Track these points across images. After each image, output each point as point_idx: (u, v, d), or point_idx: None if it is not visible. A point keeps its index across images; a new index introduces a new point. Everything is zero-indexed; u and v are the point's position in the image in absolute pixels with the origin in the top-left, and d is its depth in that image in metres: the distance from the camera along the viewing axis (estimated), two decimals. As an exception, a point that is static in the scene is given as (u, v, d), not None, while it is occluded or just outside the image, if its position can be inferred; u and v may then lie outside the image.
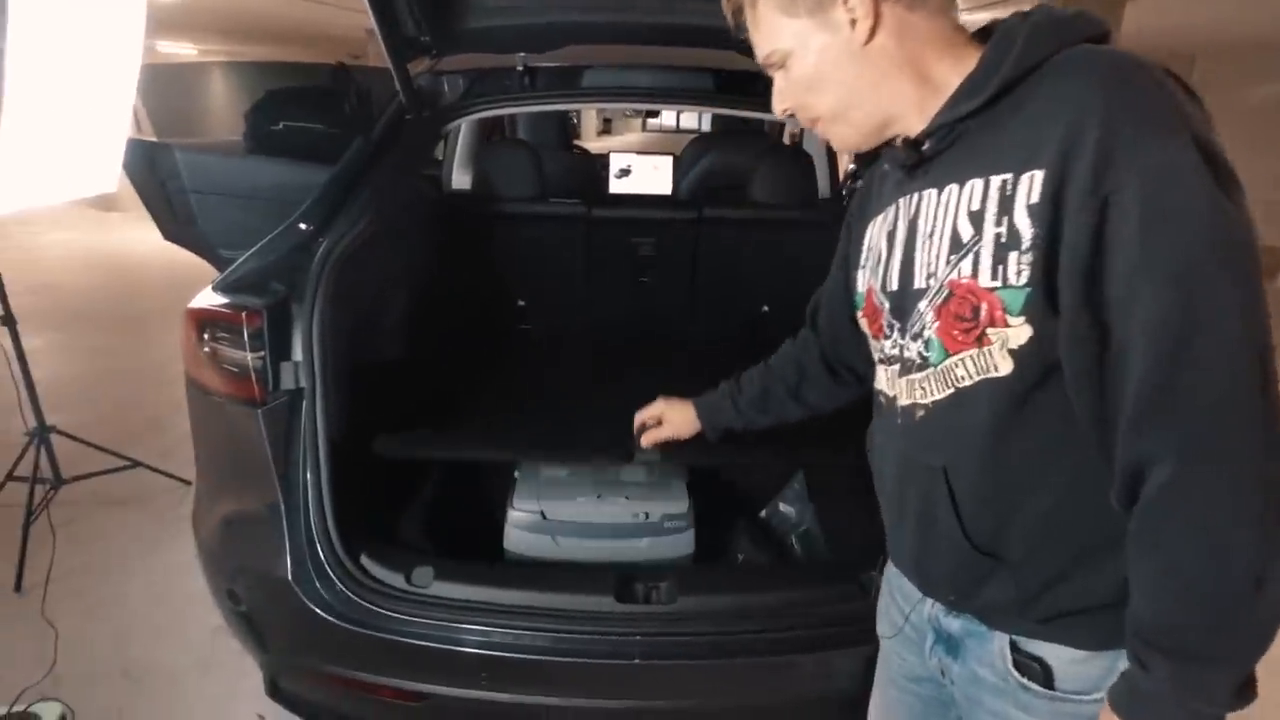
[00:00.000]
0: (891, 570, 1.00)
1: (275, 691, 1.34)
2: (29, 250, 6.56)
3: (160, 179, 2.39)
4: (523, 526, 1.47)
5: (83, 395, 3.52)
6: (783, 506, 1.78)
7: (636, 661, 1.12)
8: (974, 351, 0.72)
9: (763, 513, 1.81)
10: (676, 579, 1.22)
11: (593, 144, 8.91)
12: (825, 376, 1.10)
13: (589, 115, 17.76)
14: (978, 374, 0.73)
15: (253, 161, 2.12)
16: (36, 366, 2.47)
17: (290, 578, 1.19)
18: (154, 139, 3.00)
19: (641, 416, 1.25)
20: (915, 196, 0.78)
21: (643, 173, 2.23)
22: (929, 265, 0.75)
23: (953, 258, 0.72)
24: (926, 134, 0.74)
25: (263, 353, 1.18)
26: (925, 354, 0.77)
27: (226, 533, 1.29)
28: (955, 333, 0.73)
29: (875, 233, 0.86)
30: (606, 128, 21.02)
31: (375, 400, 1.49)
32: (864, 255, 0.89)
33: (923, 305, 0.76)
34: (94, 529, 2.47)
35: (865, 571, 1.26)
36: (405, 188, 1.61)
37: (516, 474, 1.61)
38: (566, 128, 2.84)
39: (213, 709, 1.79)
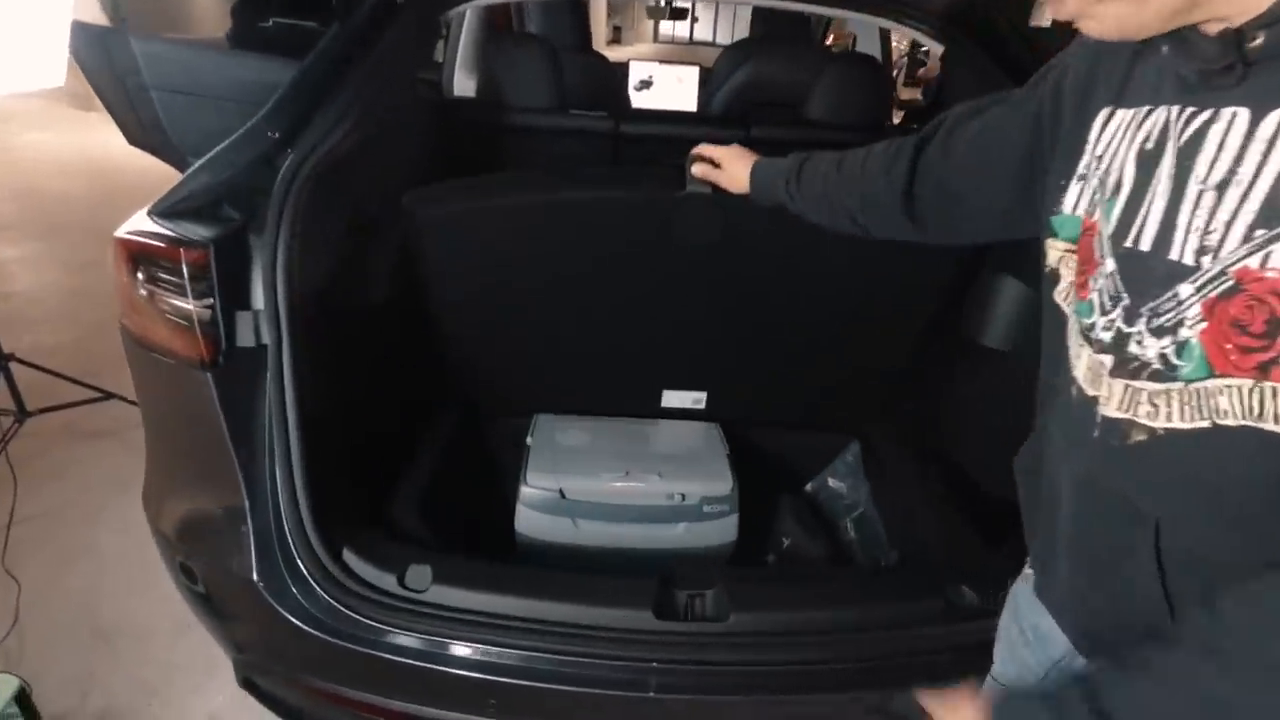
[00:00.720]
0: (1025, 598, 0.78)
1: (248, 685, 1.15)
2: (5, 151, 6.15)
3: (118, 74, 2.07)
4: (537, 506, 1.25)
5: (60, 314, 3.26)
6: (832, 481, 1.55)
7: (681, 697, 0.92)
8: (1249, 383, 0.47)
9: (809, 486, 1.59)
10: (726, 588, 1.00)
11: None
12: (903, 223, 0.87)
13: (598, 23, 16.63)
14: (1244, 415, 0.48)
15: (230, 56, 1.79)
16: (12, 280, 2.20)
17: (256, 578, 0.97)
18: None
19: (700, 150, 1.14)
20: (1202, 116, 0.50)
21: (665, 85, 1.97)
22: (1206, 234, 0.48)
23: (1259, 234, 0.45)
24: (1258, 24, 0.46)
25: (210, 300, 0.92)
26: (1175, 360, 0.51)
27: (180, 522, 1.06)
28: (1229, 346, 0.48)
29: (1115, 139, 0.58)
30: (616, 36, 19.83)
31: (361, 356, 1.24)
32: (1086, 163, 0.61)
33: (1185, 290, 0.50)
34: (61, 467, 2.25)
35: (952, 584, 1.04)
36: (397, 88, 1.30)
37: (530, 441, 1.38)
38: (585, 23, 2.43)
39: (192, 675, 1.63)
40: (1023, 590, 0.81)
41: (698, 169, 1.13)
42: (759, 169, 1.06)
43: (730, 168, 1.10)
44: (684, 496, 1.27)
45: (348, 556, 1.02)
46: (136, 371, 1.05)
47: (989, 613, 1.00)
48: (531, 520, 1.26)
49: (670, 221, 1.19)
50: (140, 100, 2.12)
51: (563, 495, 1.25)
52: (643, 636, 0.95)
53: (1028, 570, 0.81)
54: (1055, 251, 0.65)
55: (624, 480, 1.27)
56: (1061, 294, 0.66)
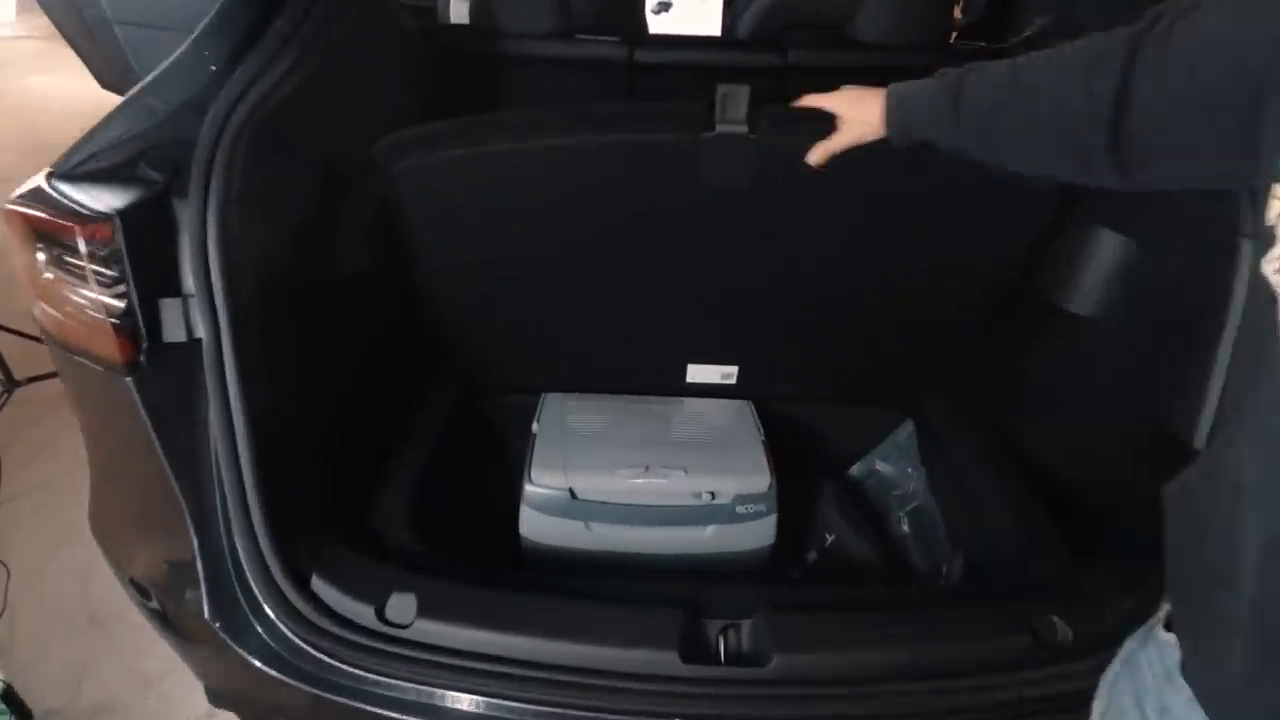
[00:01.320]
0: (1156, 671, 0.61)
1: (219, 701, 1.03)
2: (5, 98, 5.94)
3: (76, 4, 1.85)
4: (543, 508, 1.09)
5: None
6: (880, 466, 1.37)
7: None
8: None
9: (853, 470, 1.40)
10: (767, 621, 0.83)
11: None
12: (1101, 158, 0.65)
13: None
14: None
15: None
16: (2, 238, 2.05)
17: (208, 616, 0.83)
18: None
19: (810, 102, 0.92)
20: None
21: (686, 6, 1.75)
22: None
23: None
24: None
25: (123, 287, 0.74)
26: None
27: (125, 546, 0.92)
28: None
29: None
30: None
31: (337, 339, 1.06)
32: None
33: None
34: (52, 439, 2.13)
35: (1039, 612, 0.86)
36: (369, 6, 1.08)
37: (536, 428, 1.21)
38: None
39: (192, 666, 1.54)
40: (1152, 659, 0.62)
41: (817, 152, 0.91)
42: (899, 96, 0.84)
43: (855, 117, 0.88)
44: (714, 495, 1.09)
45: (317, 585, 0.86)
46: (60, 372, 0.88)
47: (1085, 653, 0.83)
48: (537, 523, 1.09)
49: (696, 167, 0.98)
50: (103, 34, 1.90)
51: (573, 495, 1.08)
52: (664, 686, 0.79)
53: (1163, 634, 0.62)
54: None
55: (644, 477, 1.09)
56: (1276, 263, 0.46)
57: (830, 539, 1.25)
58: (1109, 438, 1.06)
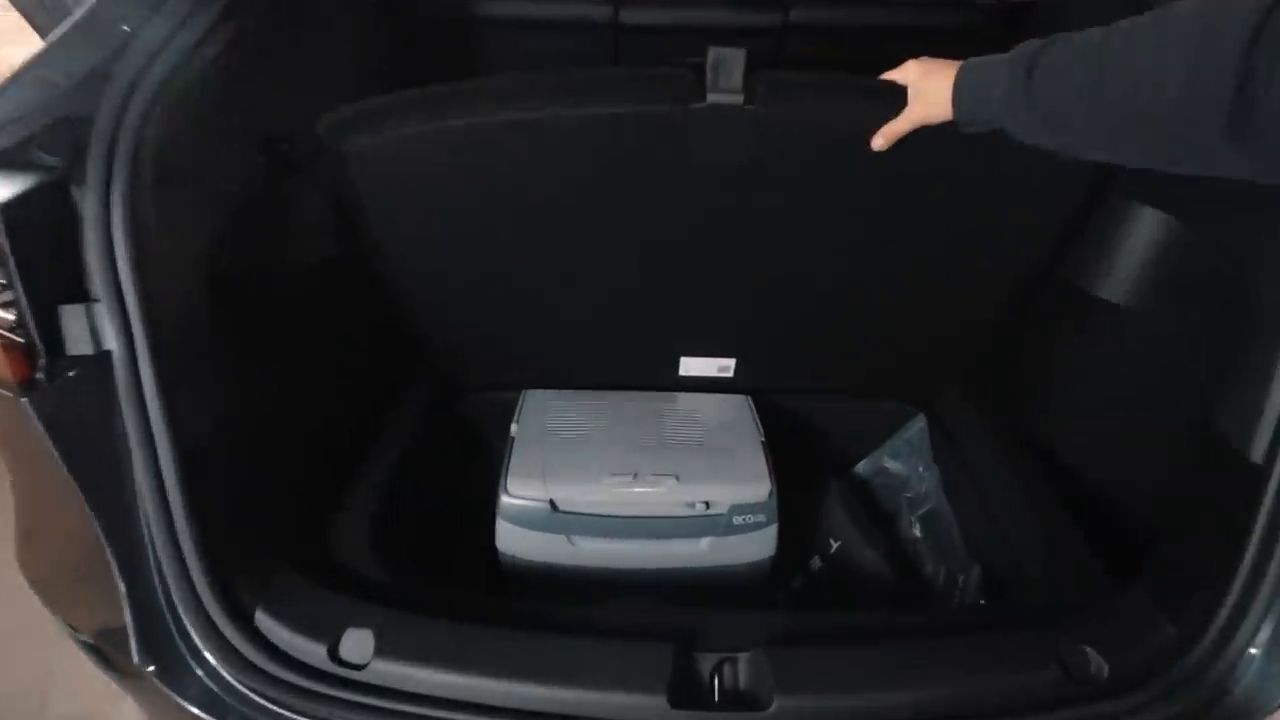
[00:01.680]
0: None
1: None
2: (-22, 71, 5.75)
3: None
4: (522, 521, 0.99)
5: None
6: (890, 464, 1.27)
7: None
8: None
9: (860, 468, 1.31)
10: (769, 660, 0.74)
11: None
12: (1217, 138, 0.54)
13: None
14: None
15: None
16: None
17: (137, 659, 0.73)
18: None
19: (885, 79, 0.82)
20: None
21: None
22: None
23: None
24: None
25: (9, 295, 0.63)
26: None
27: (49, 582, 0.82)
28: None
29: None
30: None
31: (289, 338, 0.95)
32: None
33: None
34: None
35: (1069, 638, 0.76)
36: None
37: (514, 430, 1.11)
38: None
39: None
40: None
41: (883, 134, 0.81)
42: (971, 70, 0.74)
43: (928, 91, 0.78)
44: (709, 505, 0.99)
45: (262, 621, 0.77)
46: None
47: (1122, 690, 0.74)
48: (515, 538, 1.00)
49: (688, 142, 0.86)
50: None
51: (554, 507, 0.98)
52: None
53: None
54: None
55: (632, 486, 0.99)
56: None
57: (836, 545, 1.15)
58: (1146, 441, 0.96)
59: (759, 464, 1.04)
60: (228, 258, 0.83)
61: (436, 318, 1.13)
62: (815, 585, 1.15)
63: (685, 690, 0.73)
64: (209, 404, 0.77)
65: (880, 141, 0.83)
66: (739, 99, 0.82)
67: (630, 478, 1.00)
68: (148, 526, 0.72)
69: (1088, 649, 0.76)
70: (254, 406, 0.87)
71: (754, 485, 1.01)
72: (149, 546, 0.73)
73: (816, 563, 1.17)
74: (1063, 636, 0.78)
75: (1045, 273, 1.06)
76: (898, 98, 0.81)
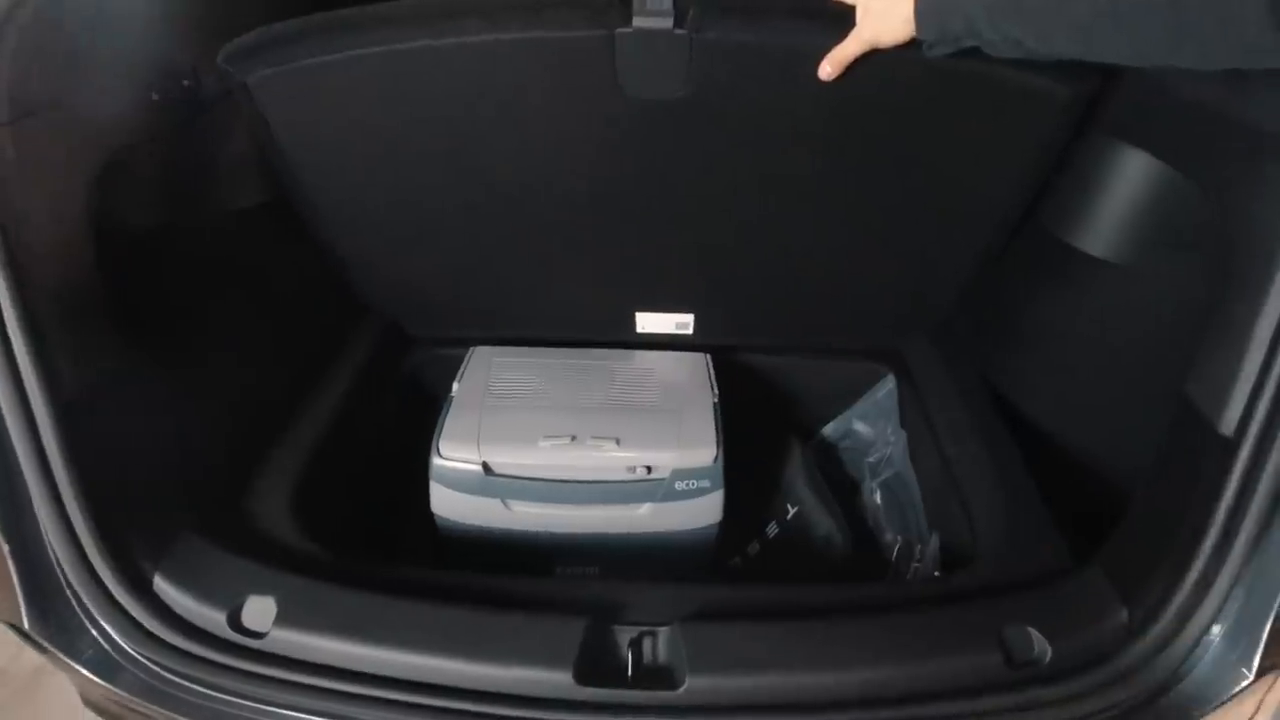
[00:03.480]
0: None
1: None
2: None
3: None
4: (454, 484, 0.95)
5: None
6: (858, 425, 1.21)
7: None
8: None
9: (827, 430, 1.25)
10: (684, 635, 0.69)
11: None
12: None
13: None
14: None
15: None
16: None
17: (28, 625, 0.71)
18: None
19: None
20: None
21: None
22: None
23: None
24: None
25: None
26: None
27: None
28: None
29: None
30: None
31: (199, 293, 0.91)
32: None
33: None
34: None
35: (1014, 618, 0.71)
36: None
37: (455, 389, 1.06)
38: None
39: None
40: None
41: (833, 57, 0.73)
42: None
43: (874, 3, 0.71)
44: (650, 470, 0.94)
45: (161, 586, 0.74)
46: None
47: (1064, 676, 0.69)
48: (449, 501, 0.96)
49: (614, 72, 0.79)
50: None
51: (488, 470, 0.94)
52: (551, 713, 0.67)
53: None
54: None
55: (569, 449, 0.94)
56: None
57: (793, 511, 1.10)
58: (1120, 409, 0.89)
59: (706, 427, 0.98)
60: (120, 206, 0.78)
61: (372, 266, 1.08)
62: (769, 553, 1.11)
63: (595, 665, 0.69)
64: (95, 357, 0.73)
65: (828, 69, 0.75)
66: (668, 23, 0.74)
67: (568, 440, 0.95)
68: (29, 486, 0.69)
69: (1032, 631, 0.71)
70: (162, 362, 0.83)
71: (699, 449, 0.95)
72: (29, 511, 0.69)
73: (773, 529, 1.12)
74: (1007, 617, 0.72)
75: (1019, 219, 0.97)
76: (845, 18, 0.73)
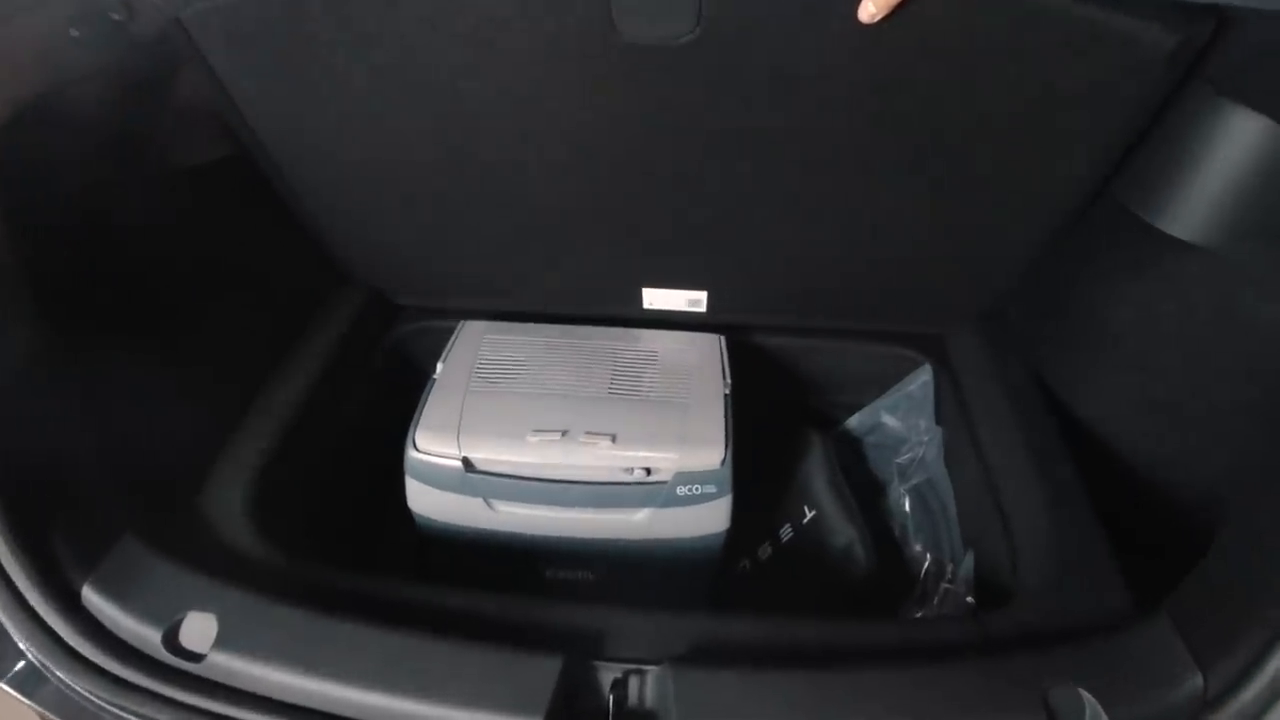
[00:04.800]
0: None
1: None
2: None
3: None
4: (432, 480, 0.86)
5: None
6: (887, 419, 1.09)
7: None
8: None
9: (852, 421, 1.13)
10: (675, 680, 0.60)
11: None
12: None
13: None
14: None
15: None
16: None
17: (-60, 640, 0.64)
18: None
19: None
20: None
21: None
22: None
23: None
24: None
25: None
26: None
27: None
28: None
29: None
30: None
31: (146, 257, 0.81)
32: None
33: None
34: None
35: (1063, 674, 0.60)
36: None
37: (439, 370, 0.96)
38: None
39: None
40: None
41: (869, 8, 0.61)
42: None
43: None
44: (649, 472, 0.84)
45: (90, 599, 0.66)
46: None
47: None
48: (427, 498, 0.87)
49: (610, 9, 0.65)
50: None
51: (469, 466, 0.84)
52: None
53: None
54: None
55: (558, 445, 0.84)
56: None
57: (810, 514, 1.00)
58: (1203, 425, 0.76)
59: (715, 424, 0.87)
60: (45, 158, 0.68)
61: (347, 230, 0.97)
62: (781, 559, 1.01)
63: (571, 710, 0.60)
64: (15, 343, 0.64)
65: (871, 8, 0.61)
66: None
67: (558, 436, 0.85)
68: None
69: (1083, 693, 0.60)
70: (102, 345, 0.73)
71: (704, 450, 0.84)
72: None
73: (787, 533, 1.02)
74: (1054, 674, 0.61)
75: (1093, 194, 0.83)
76: None
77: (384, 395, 1.06)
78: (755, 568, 1.03)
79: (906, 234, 0.89)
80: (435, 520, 0.88)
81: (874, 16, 0.61)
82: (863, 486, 1.04)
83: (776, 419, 1.10)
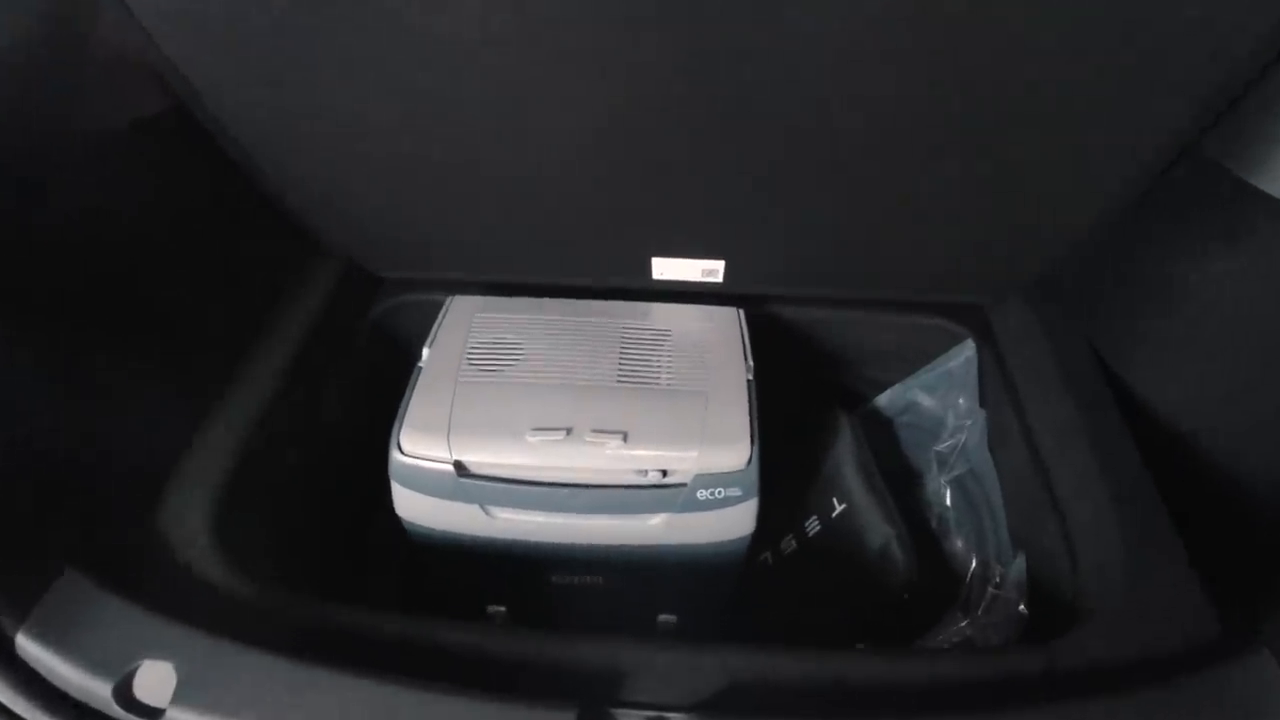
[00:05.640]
0: None
1: None
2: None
3: None
4: (420, 485, 0.76)
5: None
6: (921, 396, 0.98)
7: None
8: None
9: (881, 399, 1.03)
10: None
11: None
12: None
13: None
14: None
15: None
16: None
17: None
18: None
19: None
20: None
21: None
22: None
23: None
24: None
25: None
26: None
27: None
28: None
29: None
30: None
31: (91, 240, 0.69)
32: None
33: None
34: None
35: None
36: None
37: (425, 356, 0.85)
38: None
39: None
40: None
41: None
42: None
43: None
44: (665, 474, 0.75)
45: (25, 647, 0.57)
46: None
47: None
48: (416, 505, 0.78)
49: None
50: None
51: (462, 471, 0.75)
52: None
53: None
54: None
55: (561, 445, 0.74)
56: None
57: (840, 508, 0.91)
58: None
59: (738, 416, 0.77)
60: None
61: (313, 197, 0.85)
62: (806, 555, 0.92)
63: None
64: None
65: None
66: None
67: (562, 435, 0.75)
68: None
69: None
70: (37, 344, 0.63)
71: (727, 448, 0.75)
72: None
73: (814, 525, 0.93)
74: (1139, 716, 0.54)
75: (1185, 148, 0.71)
76: None
77: (367, 381, 0.96)
78: (777, 561, 0.95)
79: (958, 197, 0.77)
80: (426, 527, 0.79)
81: None
82: (895, 473, 0.95)
83: (799, 397, 1.01)
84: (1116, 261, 0.86)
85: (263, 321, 0.89)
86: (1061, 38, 0.59)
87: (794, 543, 0.95)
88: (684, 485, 0.74)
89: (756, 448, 0.75)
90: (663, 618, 0.90)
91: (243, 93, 0.70)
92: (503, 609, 0.89)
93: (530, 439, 0.75)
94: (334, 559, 0.88)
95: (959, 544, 0.87)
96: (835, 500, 0.92)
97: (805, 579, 0.92)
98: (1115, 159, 0.72)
